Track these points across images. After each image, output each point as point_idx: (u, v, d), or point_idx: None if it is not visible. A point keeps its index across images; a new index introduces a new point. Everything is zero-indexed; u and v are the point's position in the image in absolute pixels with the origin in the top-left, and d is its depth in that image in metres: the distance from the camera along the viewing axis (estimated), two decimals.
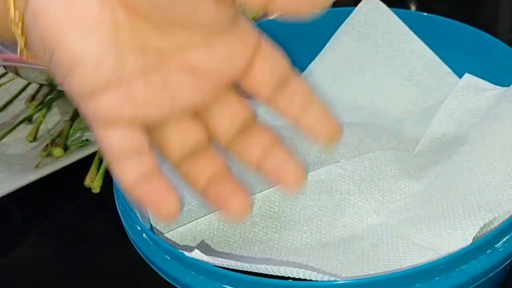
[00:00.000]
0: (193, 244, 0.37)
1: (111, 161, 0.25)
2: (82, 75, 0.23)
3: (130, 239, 0.33)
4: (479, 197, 0.35)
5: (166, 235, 0.37)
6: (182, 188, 0.41)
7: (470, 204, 0.35)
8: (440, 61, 0.44)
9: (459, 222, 0.34)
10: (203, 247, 0.37)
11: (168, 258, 0.31)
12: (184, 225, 0.38)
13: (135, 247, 0.33)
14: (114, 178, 0.35)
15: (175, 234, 0.37)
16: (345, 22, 0.48)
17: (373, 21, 0.47)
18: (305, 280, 0.29)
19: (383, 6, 0.47)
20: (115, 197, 0.35)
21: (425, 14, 0.42)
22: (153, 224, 0.38)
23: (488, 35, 0.42)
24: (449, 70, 0.44)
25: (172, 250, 0.30)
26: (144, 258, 0.32)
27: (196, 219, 0.38)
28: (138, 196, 0.26)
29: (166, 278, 0.31)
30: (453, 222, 0.34)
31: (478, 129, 0.40)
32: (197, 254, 0.30)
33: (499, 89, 0.41)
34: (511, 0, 0.73)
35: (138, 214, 0.35)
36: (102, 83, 0.23)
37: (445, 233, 0.34)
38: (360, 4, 0.48)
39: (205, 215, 0.38)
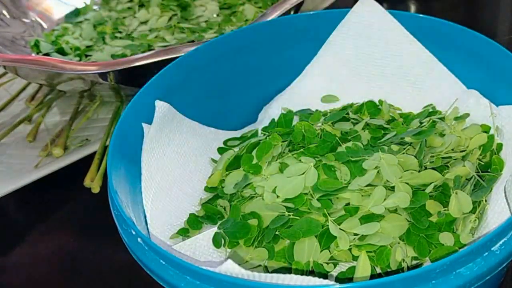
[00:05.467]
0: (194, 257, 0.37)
1: None
2: None
3: (125, 243, 0.33)
4: None
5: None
6: (179, 201, 0.41)
7: None
8: (437, 61, 0.44)
9: None
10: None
11: (164, 263, 0.31)
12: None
13: (130, 251, 0.33)
14: (108, 182, 0.35)
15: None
16: (340, 24, 0.48)
17: (368, 22, 0.47)
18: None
19: (379, 7, 0.47)
20: (110, 202, 0.35)
21: (421, 15, 0.41)
22: (150, 230, 0.38)
23: (484, 36, 0.41)
24: (446, 69, 0.44)
25: (167, 254, 0.30)
26: (139, 262, 0.32)
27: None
28: None
29: (161, 283, 0.31)
30: None
31: None
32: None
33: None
34: (511, 0, 0.73)
35: (133, 218, 0.35)
36: None
37: None
38: (355, 5, 0.47)
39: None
